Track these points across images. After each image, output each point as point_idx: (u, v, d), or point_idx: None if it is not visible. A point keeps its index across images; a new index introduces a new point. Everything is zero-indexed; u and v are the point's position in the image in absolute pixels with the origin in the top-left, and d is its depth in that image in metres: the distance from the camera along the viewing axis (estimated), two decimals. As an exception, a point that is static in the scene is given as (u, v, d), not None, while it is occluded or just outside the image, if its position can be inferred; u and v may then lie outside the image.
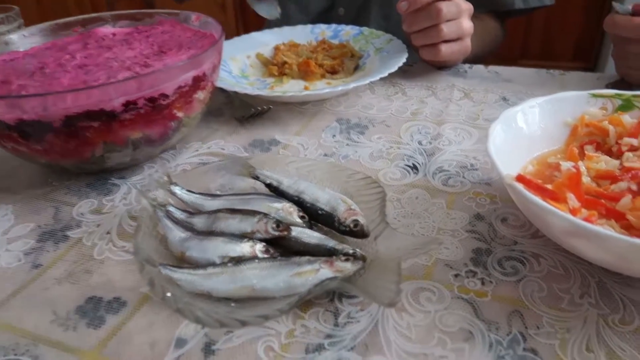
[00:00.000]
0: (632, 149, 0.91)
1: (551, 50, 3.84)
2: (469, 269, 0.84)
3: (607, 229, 0.71)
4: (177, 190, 0.80)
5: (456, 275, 0.83)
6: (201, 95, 1.03)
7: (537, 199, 0.71)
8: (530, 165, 0.96)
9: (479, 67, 1.58)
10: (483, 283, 0.81)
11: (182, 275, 0.62)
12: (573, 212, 0.75)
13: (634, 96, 0.98)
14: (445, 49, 1.41)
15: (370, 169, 1.12)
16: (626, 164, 0.86)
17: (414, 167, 1.12)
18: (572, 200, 0.75)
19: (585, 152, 0.97)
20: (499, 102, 1.38)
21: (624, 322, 0.73)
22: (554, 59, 3.78)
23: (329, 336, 0.68)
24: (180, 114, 0.98)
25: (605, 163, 0.89)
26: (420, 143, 1.21)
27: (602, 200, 0.82)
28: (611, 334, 0.71)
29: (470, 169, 1.10)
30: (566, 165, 0.90)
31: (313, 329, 0.69)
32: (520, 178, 0.76)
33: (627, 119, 0.95)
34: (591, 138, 1.00)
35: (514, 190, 0.75)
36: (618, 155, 0.92)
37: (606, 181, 0.87)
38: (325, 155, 1.19)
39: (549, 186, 0.79)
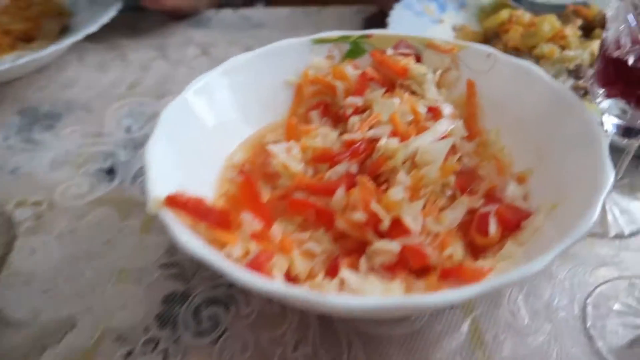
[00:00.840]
0: (357, 110, 0.69)
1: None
2: (149, 336, 0.57)
3: (281, 263, 0.48)
4: None
5: (128, 354, 0.55)
6: None
7: (187, 239, 0.45)
8: (240, 152, 0.69)
9: (227, 13, 1.27)
10: (166, 357, 0.55)
11: None
12: (256, 237, 0.50)
13: (362, 37, 0.75)
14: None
15: (46, 185, 0.78)
16: (347, 137, 0.63)
17: (111, 171, 0.80)
18: (249, 222, 0.49)
19: (311, 120, 0.73)
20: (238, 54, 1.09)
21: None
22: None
23: None
24: None
25: (322, 138, 0.65)
26: (128, 130, 0.89)
27: (313, 200, 0.58)
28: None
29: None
30: (277, 149, 0.64)
31: None
32: (171, 200, 0.48)
33: (350, 70, 0.71)
34: (320, 99, 0.75)
35: (163, 222, 0.47)
36: (347, 119, 0.69)
37: (325, 165, 0.63)
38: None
39: (220, 204, 0.52)
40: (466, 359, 0.55)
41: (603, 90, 0.58)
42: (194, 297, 0.61)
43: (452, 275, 0.45)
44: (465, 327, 0.58)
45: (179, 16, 1.23)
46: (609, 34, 0.56)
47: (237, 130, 0.70)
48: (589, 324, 0.57)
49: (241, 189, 0.49)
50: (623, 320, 0.56)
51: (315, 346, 0.56)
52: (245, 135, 0.71)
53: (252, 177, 0.49)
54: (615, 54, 0.55)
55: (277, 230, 0.52)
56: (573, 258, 0.64)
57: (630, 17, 0.52)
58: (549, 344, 0.56)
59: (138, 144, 0.85)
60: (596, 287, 0.60)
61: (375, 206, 0.51)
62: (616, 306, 0.58)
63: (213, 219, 0.49)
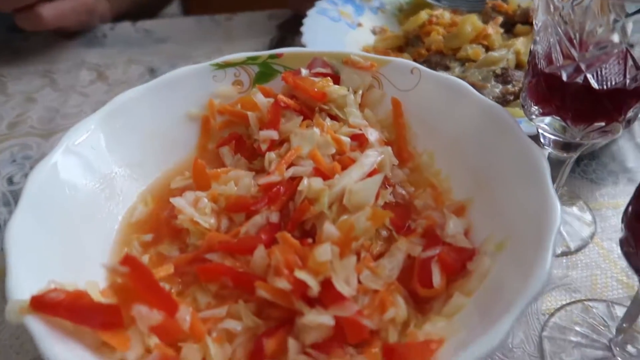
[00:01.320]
0: (274, 144, 0.60)
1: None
2: None
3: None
4: None
5: None
6: None
7: (60, 355, 0.34)
8: (141, 205, 0.58)
9: (125, 27, 1.13)
10: None
11: None
12: (157, 330, 0.40)
13: (272, 57, 0.66)
14: (47, 11, 0.93)
15: None
16: (263, 181, 0.54)
17: (-11, 235, 0.66)
18: (145, 315, 0.39)
19: (222, 157, 0.64)
20: (145, 76, 0.97)
21: None
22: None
23: None
24: None
25: (235, 182, 0.56)
26: (11, 181, 0.75)
27: (229, 261, 0.49)
28: None
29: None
30: (182, 202, 0.55)
31: None
32: (38, 303, 0.37)
33: (261, 98, 0.62)
34: (231, 130, 0.66)
35: (30, 333, 0.37)
36: (263, 154, 0.60)
37: (241, 215, 0.54)
38: None
39: (109, 297, 0.42)
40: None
41: (537, 107, 0.53)
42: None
43: (396, 355, 0.38)
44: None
45: (67, 34, 1.09)
46: (539, 47, 0.50)
47: (132, 181, 0.59)
48: (547, 362, 0.52)
49: (131, 279, 0.39)
50: (582, 353, 0.52)
51: None
52: (144, 185, 0.60)
53: (140, 263, 0.39)
54: (547, 69, 0.50)
55: (185, 313, 0.43)
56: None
57: (560, 32, 0.46)
58: (509, 391, 0.50)
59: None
60: (550, 317, 0.56)
61: (300, 274, 0.43)
62: (573, 337, 0.53)
63: (97, 319, 0.39)
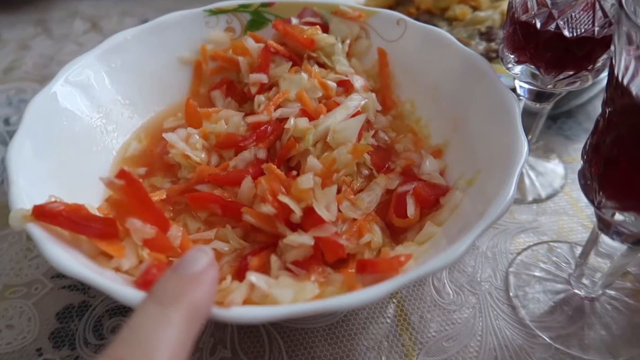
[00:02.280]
0: (263, 88, 0.63)
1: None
2: (42, 359, 0.50)
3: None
4: None
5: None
6: None
7: (61, 256, 0.38)
8: (135, 141, 0.61)
9: (117, -21, 1.13)
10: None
11: None
12: (149, 243, 0.43)
13: (263, 5, 0.68)
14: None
15: None
16: (252, 119, 0.57)
17: (-13, 171, 0.69)
18: (139, 228, 0.42)
19: (213, 101, 0.66)
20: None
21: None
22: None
23: None
24: None
25: (226, 121, 0.58)
26: (6, 122, 0.78)
27: (217, 192, 0.53)
28: None
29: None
30: (174, 137, 0.57)
31: None
32: (40, 212, 0.40)
33: (251, 43, 0.64)
34: (222, 76, 0.68)
35: (32, 237, 0.40)
36: (252, 98, 0.63)
37: (230, 151, 0.57)
38: None
39: (105, 213, 0.45)
40: (393, 343, 0.53)
41: (513, 55, 0.56)
42: (93, 308, 0.55)
43: (368, 268, 0.42)
44: (390, 310, 0.55)
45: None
46: (517, -4, 0.53)
47: (127, 119, 0.62)
48: (511, 293, 0.56)
49: (126, 193, 0.42)
50: (543, 287, 0.56)
51: (235, 348, 0.51)
52: (138, 123, 0.63)
53: (134, 178, 0.42)
54: (523, 17, 0.53)
55: (177, 231, 0.46)
56: (493, 227, 0.63)
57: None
58: (475, 318, 0.54)
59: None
60: (517, 255, 0.60)
61: (284, 198, 0.46)
62: (537, 272, 0.58)
63: (95, 229, 0.42)
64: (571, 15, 0.49)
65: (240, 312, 0.35)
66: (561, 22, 0.50)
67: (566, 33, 0.50)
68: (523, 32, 0.54)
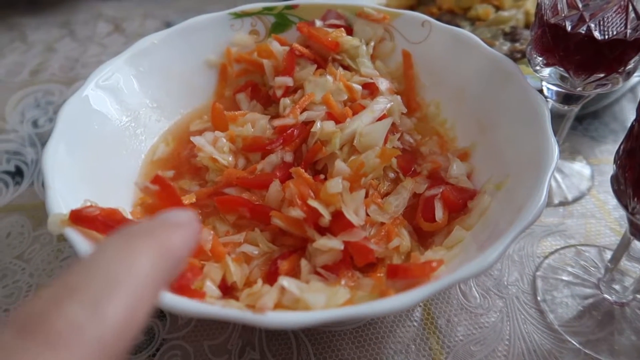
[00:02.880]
0: (288, 91, 0.63)
1: None
2: None
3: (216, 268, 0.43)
4: None
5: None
6: None
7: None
8: (162, 145, 0.62)
9: (140, -20, 1.14)
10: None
11: None
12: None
13: (287, 8, 0.68)
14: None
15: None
16: (278, 122, 0.57)
17: (18, 172, 0.71)
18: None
19: (238, 103, 0.67)
20: (161, 29, 0.99)
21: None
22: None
23: None
24: None
25: (252, 125, 0.59)
26: (35, 124, 0.79)
27: (245, 195, 0.53)
28: None
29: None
30: (202, 141, 0.58)
31: None
32: (77, 216, 0.41)
33: (277, 46, 0.65)
34: (247, 79, 0.69)
35: (70, 243, 0.41)
36: (277, 101, 0.63)
37: (257, 154, 0.58)
38: None
39: (138, 217, 0.46)
40: (420, 347, 0.53)
41: (541, 57, 0.55)
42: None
43: (400, 273, 0.42)
44: (417, 314, 0.55)
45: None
46: (546, -2, 0.52)
47: (155, 122, 0.62)
48: (539, 297, 0.56)
49: (159, 198, 0.43)
50: (572, 291, 0.56)
51: (263, 350, 0.52)
52: (165, 126, 0.64)
53: (169, 184, 0.43)
54: (553, 20, 0.52)
55: (207, 235, 0.47)
56: (519, 230, 0.62)
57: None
58: (502, 322, 0.54)
59: (47, 140, 0.76)
60: (544, 259, 0.59)
61: (313, 202, 0.46)
62: (564, 276, 0.57)
63: (130, 233, 0.42)
64: (603, 18, 0.49)
65: (275, 318, 0.36)
66: (592, 25, 0.49)
67: (597, 35, 0.50)
68: (552, 35, 0.53)
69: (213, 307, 0.37)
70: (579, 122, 0.78)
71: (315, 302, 0.40)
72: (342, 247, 0.45)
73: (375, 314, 0.37)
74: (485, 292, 0.57)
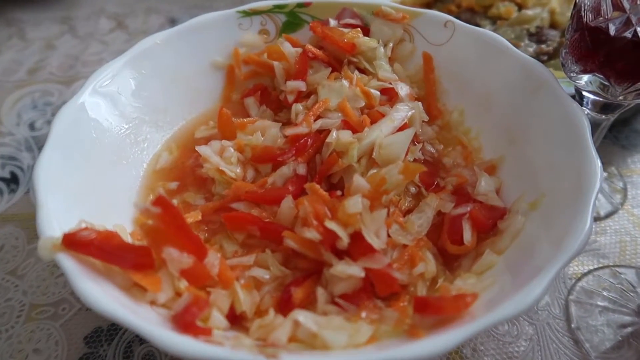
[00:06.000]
0: (301, 96, 0.58)
1: None
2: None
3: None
4: None
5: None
6: None
7: (93, 293, 0.34)
8: (166, 152, 0.58)
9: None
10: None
11: None
12: (187, 274, 0.40)
13: (299, 6, 0.64)
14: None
15: None
16: (291, 132, 0.53)
17: (13, 179, 0.67)
18: (176, 258, 0.39)
19: (247, 108, 0.62)
20: (165, 27, 0.95)
21: None
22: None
23: None
24: None
25: (262, 132, 0.54)
26: (32, 127, 0.75)
27: (255, 211, 0.49)
28: None
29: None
30: (207, 151, 0.54)
31: None
32: (70, 240, 0.37)
33: (288, 48, 0.60)
34: (256, 82, 0.64)
35: (62, 270, 0.37)
36: (289, 106, 0.59)
37: (267, 165, 0.53)
38: None
39: (139, 239, 0.42)
40: (443, 377, 0.48)
41: (578, 64, 0.50)
42: (123, 332, 0.52)
43: (430, 309, 0.38)
44: (439, 340, 0.51)
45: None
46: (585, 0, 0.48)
47: (157, 129, 0.58)
48: (573, 324, 0.51)
49: (162, 220, 0.39)
50: (608, 318, 0.51)
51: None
52: (169, 133, 0.59)
53: (172, 205, 0.38)
54: (594, 22, 0.47)
55: (214, 258, 0.43)
56: (548, 247, 0.58)
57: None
58: (533, 352, 0.50)
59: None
60: (577, 281, 0.55)
61: (330, 224, 0.42)
62: (600, 302, 0.53)
63: (128, 260, 0.38)
64: (653, 22, 0.44)
65: (291, 364, 0.32)
66: (640, 29, 0.45)
67: (645, 41, 0.45)
68: (592, 39, 0.48)
69: (221, 349, 0.33)
70: (608, 129, 0.73)
71: (335, 341, 0.36)
72: (362, 274, 0.41)
73: (405, 358, 0.32)
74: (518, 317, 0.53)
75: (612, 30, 0.46)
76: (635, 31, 0.45)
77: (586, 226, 0.38)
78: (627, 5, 0.45)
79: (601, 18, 0.47)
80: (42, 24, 0.96)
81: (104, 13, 0.99)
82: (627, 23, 0.45)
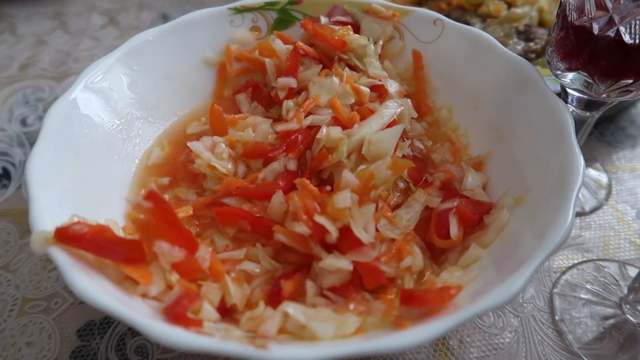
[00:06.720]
0: (292, 92, 0.59)
1: None
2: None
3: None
4: None
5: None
6: None
7: (85, 285, 0.35)
8: (158, 148, 0.58)
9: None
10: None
11: None
12: (178, 267, 0.41)
13: (291, 3, 0.64)
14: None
15: None
16: (282, 128, 0.54)
17: (5, 175, 0.67)
18: (167, 251, 0.39)
19: (238, 105, 0.63)
20: (158, 23, 0.96)
21: None
22: None
23: None
24: None
25: (253, 129, 0.55)
26: (24, 122, 0.75)
27: (246, 206, 0.50)
28: None
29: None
30: (199, 146, 0.54)
31: None
32: (62, 234, 0.37)
33: (279, 44, 0.61)
34: (248, 78, 0.65)
35: (55, 263, 0.37)
36: (280, 102, 0.60)
37: (258, 161, 0.54)
38: None
39: (130, 233, 0.43)
40: (430, 368, 0.50)
41: (563, 62, 0.51)
42: (115, 325, 0.52)
43: (415, 301, 0.39)
44: (426, 333, 0.52)
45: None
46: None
47: (149, 125, 0.59)
48: (557, 316, 0.52)
49: (153, 214, 0.39)
50: (591, 310, 0.53)
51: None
52: (160, 129, 0.60)
53: (164, 200, 0.39)
54: (578, 21, 0.48)
55: (205, 252, 0.43)
56: (534, 242, 0.59)
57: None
58: (518, 343, 0.51)
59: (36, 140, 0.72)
60: (561, 275, 0.56)
61: (319, 218, 0.43)
62: (583, 294, 0.54)
63: (120, 253, 0.39)
64: (635, 21, 0.45)
65: (280, 354, 0.32)
66: (622, 28, 0.46)
67: (627, 39, 0.46)
68: (577, 37, 0.49)
69: (211, 340, 0.34)
70: (594, 126, 0.75)
71: (323, 332, 0.36)
72: (351, 268, 0.42)
73: (392, 349, 0.33)
74: (499, 310, 0.54)
75: (595, 29, 0.47)
76: (617, 30, 0.46)
77: (568, 220, 0.39)
78: (610, 5, 0.46)
79: (585, 17, 0.48)
80: (33, 20, 0.96)
81: (95, 9, 0.99)
82: (610, 22, 0.46)
